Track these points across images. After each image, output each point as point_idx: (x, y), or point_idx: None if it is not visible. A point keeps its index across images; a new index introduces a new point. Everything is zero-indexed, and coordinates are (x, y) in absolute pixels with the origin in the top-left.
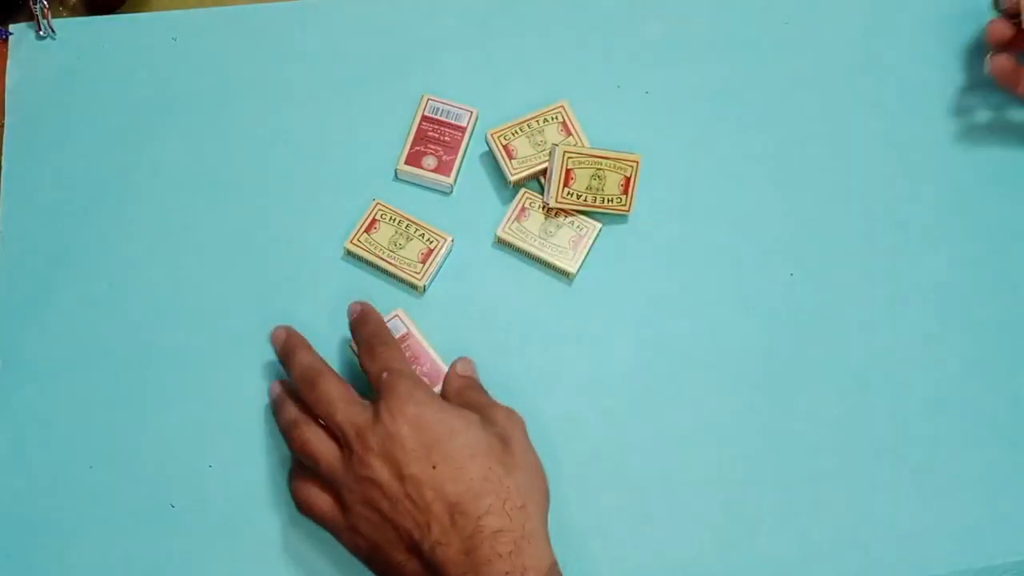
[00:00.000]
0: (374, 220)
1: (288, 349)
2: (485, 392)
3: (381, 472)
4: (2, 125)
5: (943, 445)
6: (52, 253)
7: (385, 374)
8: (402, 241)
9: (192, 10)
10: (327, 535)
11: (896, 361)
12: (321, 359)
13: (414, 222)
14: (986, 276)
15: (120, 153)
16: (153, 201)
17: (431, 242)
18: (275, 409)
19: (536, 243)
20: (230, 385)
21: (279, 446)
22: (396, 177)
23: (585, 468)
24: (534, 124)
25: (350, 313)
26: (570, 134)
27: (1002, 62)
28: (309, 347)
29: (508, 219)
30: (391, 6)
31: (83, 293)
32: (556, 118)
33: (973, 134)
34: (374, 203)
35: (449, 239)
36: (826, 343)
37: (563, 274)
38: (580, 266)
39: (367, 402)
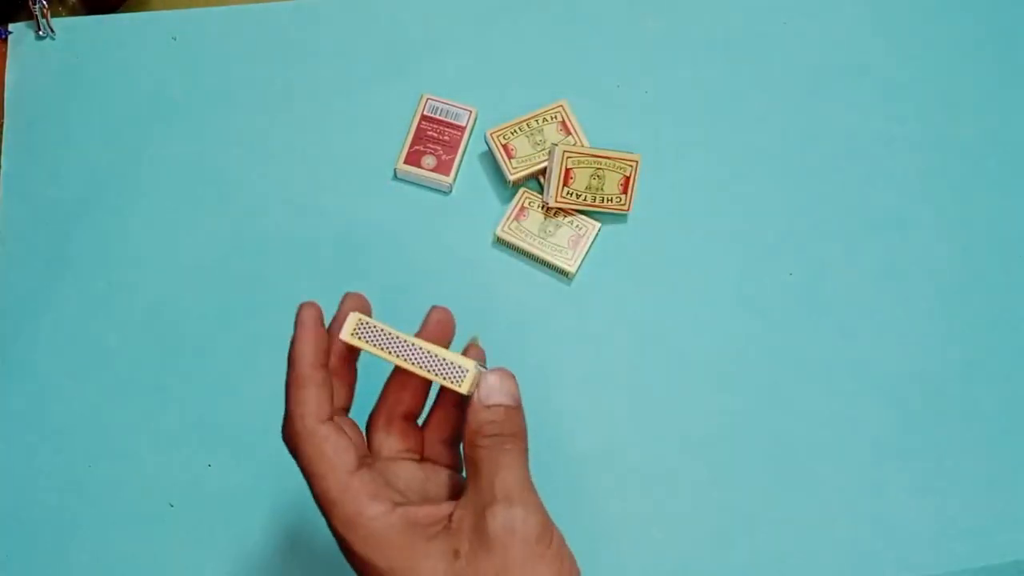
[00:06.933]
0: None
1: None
2: (524, 465)
3: None
4: (2, 125)
5: (943, 445)
6: (51, 253)
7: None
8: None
9: (192, 10)
10: (327, 535)
11: (895, 361)
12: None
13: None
14: (987, 276)
15: (120, 153)
16: (153, 201)
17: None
18: None
19: (535, 242)
20: (230, 385)
21: (279, 446)
22: (395, 176)
23: (584, 467)
24: (533, 123)
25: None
26: (569, 133)
27: None
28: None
29: (507, 218)
30: (391, 6)
31: (82, 293)
32: (555, 117)
33: (973, 133)
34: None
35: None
36: (825, 343)
37: (562, 273)
38: (579, 265)
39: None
